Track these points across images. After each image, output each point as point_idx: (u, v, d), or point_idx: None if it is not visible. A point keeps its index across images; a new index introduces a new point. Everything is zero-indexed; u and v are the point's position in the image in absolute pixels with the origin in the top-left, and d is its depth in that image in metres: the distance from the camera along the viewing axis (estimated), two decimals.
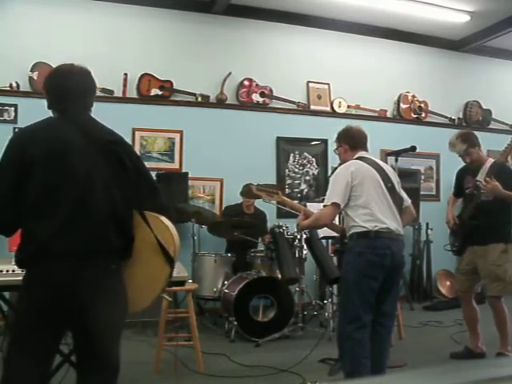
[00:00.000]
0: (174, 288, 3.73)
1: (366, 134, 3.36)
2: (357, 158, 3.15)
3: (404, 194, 3.20)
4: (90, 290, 1.94)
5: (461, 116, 7.35)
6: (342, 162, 3.23)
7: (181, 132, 5.96)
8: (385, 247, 2.90)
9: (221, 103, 6.14)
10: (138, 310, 2.15)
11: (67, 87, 2.03)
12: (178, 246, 2.16)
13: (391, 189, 3.06)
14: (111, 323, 2.00)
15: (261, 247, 5.33)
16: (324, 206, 3.06)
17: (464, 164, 4.08)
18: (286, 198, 3.82)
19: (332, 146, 6.42)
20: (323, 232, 4.51)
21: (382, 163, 3.20)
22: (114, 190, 2.01)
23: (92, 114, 2.13)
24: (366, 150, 3.26)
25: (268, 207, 5.63)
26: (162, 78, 5.88)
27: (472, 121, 7.34)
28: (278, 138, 6.37)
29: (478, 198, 3.84)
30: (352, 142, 3.25)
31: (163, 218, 2.14)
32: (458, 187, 4.16)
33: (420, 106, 7.02)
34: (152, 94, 5.85)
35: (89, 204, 1.96)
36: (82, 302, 1.93)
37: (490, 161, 3.85)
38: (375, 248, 2.89)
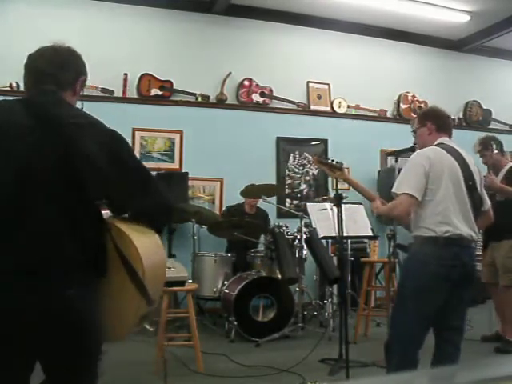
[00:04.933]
0: (174, 288, 3.74)
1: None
2: (437, 144, 2.73)
3: (485, 195, 2.83)
4: (36, 325, 1.51)
5: (461, 116, 7.34)
6: (420, 146, 2.82)
7: (181, 132, 5.96)
8: (454, 258, 2.53)
9: (221, 103, 6.14)
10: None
11: (39, 68, 1.73)
12: (152, 268, 1.62)
13: (471, 188, 2.66)
14: (69, 366, 1.60)
15: (261, 247, 5.33)
16: (392, 193, 2.66)
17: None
18: (349, 177, 3.33)
19: (330, 145, 6.48)
20: (323, 232, 4.51)
21: (466, 155, 2.75)
22: (68, 187, 1.56)
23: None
24: (450, 135, 2.84)
25: (268, 207, 5.64)
26: (162, 78, 5.88)
27: (472, 121, 7.34)
28: (277, 138, 6.37)
29: (491, 200, 4.08)
30: (441, 122, 2.83)
31: (126, 226, 1.62)
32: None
33: (420, 106, 7.01)
34: (152, 94, 5.85)
35: (25, 205, 1.52)
36: (30, 335, 1.53)
37: (509, 165, 4.28)
38: (443, 258, 2.52)
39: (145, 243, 1.63)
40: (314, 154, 3.44)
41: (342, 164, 3.62)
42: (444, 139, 2.78)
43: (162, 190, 1.75)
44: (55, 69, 1.72)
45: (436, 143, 2.75)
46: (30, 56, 1.77)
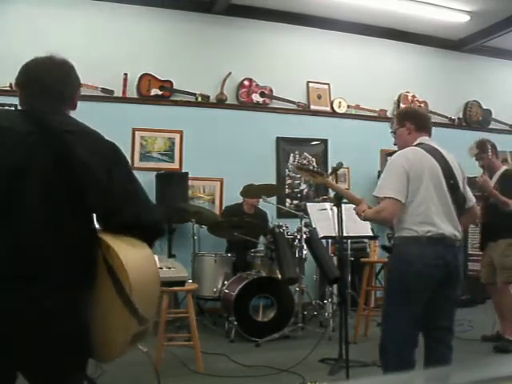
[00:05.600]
0: (174, 288, 3.74)
1: None
2: (417, 144, 2.73)
3: (469, 193, 2.81)
4: (19, 333, 1.51)
5: (461, 116, 7.35)
6: (401, 146, 2.82)
7: (181, 132, 5.96)
8: (437, 257, 2.54)
9: (221, 103, 6.14)
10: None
11: (45, 83, 1.70)
12: (141, 282, 1.57)
13: (453, 186, 2.65)
14: (58, 370, 1.58)
15: (261, 247, 5.33)
16: (374, 196, 2.68)
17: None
18: (331, 181, 3.41)
19: (330, 145, 6.48)
20: (323, 232, 4.52)
21: (446, 153, 2.74)
22: (61, 193, 1.56)
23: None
24: (430, 134, 2.85)
25: (268, 207, 5.64)
26: (162, 78, 5.88)
27: (472, 121, 7.34)
28: (277, 138, 6.37)
29: (486, 201, 4.36)
30: (420, 121, 2.84)
31: (114, 240, 1.59)
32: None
33: (420, 106, 7.01)
34: (152, 94, 5.85)
35: (15, 208, 1.52)
36: (22, 336, 1.53)
37: (503, 168, 4.41)
38: (426, 257, 2.52)
39: (132, 256, 1.59)
40: (294, 162, 3.46)
41: (341, 164, 3.66)
42: (424, 138, 2.78)
43: (152, 203, 1.75)
44: (58, 84, 1.72)
45: (416, 143, 2.75)
46: (28, 67, 1.77)
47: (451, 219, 2.62)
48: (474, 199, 2.85)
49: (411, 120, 2.82)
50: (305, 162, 5.94)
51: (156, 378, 3.24)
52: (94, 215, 1.65)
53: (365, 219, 2.92)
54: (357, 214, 2.93)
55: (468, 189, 2.82)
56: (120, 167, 1.67)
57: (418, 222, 2.55)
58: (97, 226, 1.67)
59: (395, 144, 2.93)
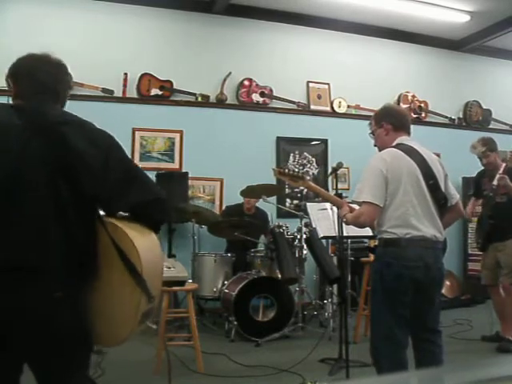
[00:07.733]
0: (174, 288, 3.74)
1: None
2: (396, 146, 2.71)
3: (452, 190, 2.77)
4: (21, 328, 1.53)
5: (461, 116, 7.35)
6: (380, 147, 2.81)
7: (181, 132, 5.97)
8: (417, 258, 2.52)
9: (221, 103, 6.14)
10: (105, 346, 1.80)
11: (38, 78, 1.71)
12: (149, 262, 1.62)
13: (433, 186, 2.63)
14: (56, 368, 1.60)
15: (261, 247, 5.33)
16: (353, 201, 2.69)
17: (481, 168, 4.55)
18: (311, 184, 3.36)
19: (330, 145, 6.49)
20: (323, 232, 4.51)
21: (425, 152, 2.71)
22: (59, 184, 1.57)
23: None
24: (409, 133, 2.81)
25: (268, 207, 5.64)
26: (162, 78, 5.88)
27: (472, 121, 7.34)
28: (278, 138, 6.37)
29: (493, 200, 4.32)
30: (397, 120, 2.78)
31: (122, 222, 1.63)
32: (476, 189, 4.67)
33: (420, 106, 7.01)
34: (152, 93, 5.85)
35: (17, 201, 1.54)
36: (17, 334, 1.55)
37: (503, 165, 4.30)
38: (405, 259, 2.52)
39: (140, 238, 1.62)
40: (274, 168, 3.44)
41: (341, 164, 3.66)
42: (402, 139, 2.74)
43: (155, 185, 1.79)
44: (51, 80, 1.75)
45: (394, 144, 2.72)
46: (22, 61, 1.78)
47: (432, 220, 2.60)
48: (457, 196, 2.82)
49: (388, 120, 2.78)
50: (304, 163, 5.91)
51: (155, 378, 3.25)
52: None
53: (346, 224, 2.91)
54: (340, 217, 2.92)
55: (451, 186, 2.79)
56: (116, 155, 1.69)
57: (396, 225, 2.55)
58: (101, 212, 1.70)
59: (375, 145, 2.91)
